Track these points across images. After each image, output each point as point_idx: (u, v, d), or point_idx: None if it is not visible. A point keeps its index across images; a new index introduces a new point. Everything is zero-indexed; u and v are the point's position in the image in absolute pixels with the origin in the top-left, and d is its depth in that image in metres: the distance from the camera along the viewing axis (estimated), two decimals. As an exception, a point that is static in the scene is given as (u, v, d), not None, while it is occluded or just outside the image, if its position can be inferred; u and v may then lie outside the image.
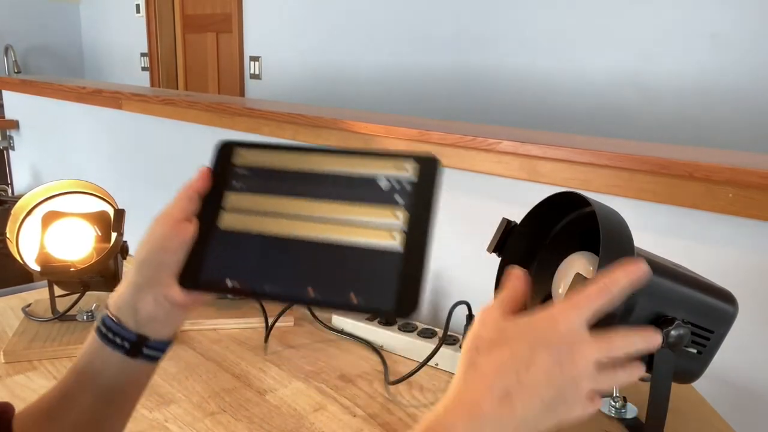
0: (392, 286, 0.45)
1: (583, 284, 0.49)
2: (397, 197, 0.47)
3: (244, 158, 0.51)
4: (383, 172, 0.48)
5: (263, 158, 0.51)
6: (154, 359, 0.53)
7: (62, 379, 0.54)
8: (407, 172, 0.48)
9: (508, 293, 0.51)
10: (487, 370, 0.44)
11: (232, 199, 0.51)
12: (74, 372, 0.53)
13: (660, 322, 0.57)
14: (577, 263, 0.60)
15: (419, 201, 0.47)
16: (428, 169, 0.48)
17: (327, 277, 0.46)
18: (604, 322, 0.49)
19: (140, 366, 0.53)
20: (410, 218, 0.46)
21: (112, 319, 0.51)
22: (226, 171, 0.51)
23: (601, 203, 0.57)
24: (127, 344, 0.51)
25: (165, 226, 0.50)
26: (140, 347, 0.52)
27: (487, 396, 0.43)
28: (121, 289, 0.52)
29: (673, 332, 0.56)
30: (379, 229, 0.47)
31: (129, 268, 0.51)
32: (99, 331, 0.52)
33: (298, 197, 0.49)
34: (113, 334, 0.51)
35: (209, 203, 0.51)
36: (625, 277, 0.46)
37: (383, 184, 0.48)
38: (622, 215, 0.57)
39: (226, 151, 0.52)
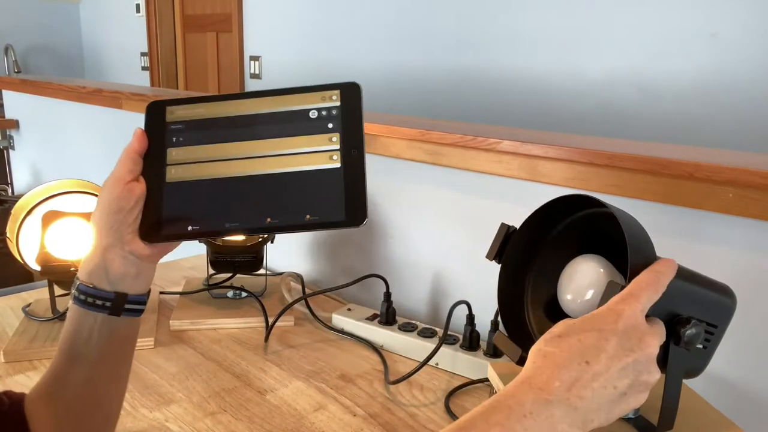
0: (340, 200, 0.50)
1: (618, 291, 0.50)
2: (329, 123, 0.52)
3: (175, 114, 0.54)
4: (311, 105, 0.53)
5: (194, 111, 0.54)
6: (137, 312, 0.56)
7: (54, 358, 0.57)
8: (332, 100, 0.52)
9: None
10: (557, 358, 0.45)
11: (173, 153, 0.54)
12: (63, 348, 0.56)
13: (675, 321, 0.57)
14: (584, 266, 0.60)
15: (348, 122, 0.52)
16: (351, 93, 0.53)
17: (280, 205, 0.51)
18: None
19: (125, 322, 0.55)
20: (343, 139, 0.51)
21: (87, 285, 0.53)
22: (162, 129, 0.54)
23: (616, 206, 0.57)
24: (108, 303, 0.54)
25: (116, 189, 0.52)
26: (121, 304, 0.54)
27: (556, 379, 0.43)
28: (89, 256, 0.54)
29: (689, 331, 0.56)
30: (318, 153, 0.52)
31: (91, 235, 0.54)
32: (77, 299, 0.54)
33: (236, 141, 0.53)
34: (93, 297, 0.53)
35: (153, 161, 0.54)
36: (668, 269, 0.50)
37: (313, 115, 0.52)
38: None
39: (156, 110, 0.55)
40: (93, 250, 0.54)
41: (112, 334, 0.55)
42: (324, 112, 0.52)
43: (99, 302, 0.53)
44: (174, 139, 0.54)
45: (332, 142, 0.52)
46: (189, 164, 0.53)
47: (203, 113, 0.54)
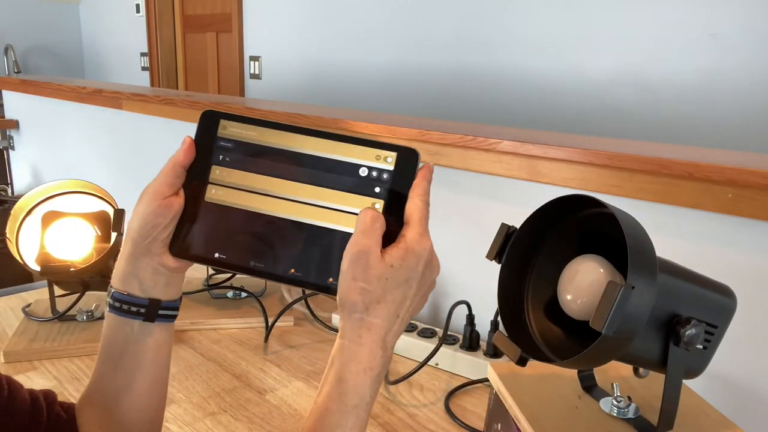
0: None
1: (618, 291, 0.50)
2: (376, 187, 0.50)
3: (228, 130, 0.52)
4: (364, 161, 0.50)
5: (247, 132, 0.52)
6: (171, 318, 0.57)
7: (94, 367, 0.58)
8: (387, 162, 0.50)
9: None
10: (378, 329, 0.48)
11: (217, 172, 0.52)
12: (102, 356, 0.57)
13: (675, 322, 0.57)
14: (584, 267, 0.60)
15: (396, 192, 0.50)
16: (408, 160, 0.50)
17: (308, 260, 0.50)
18: (626, 333, 0.51)
19: (159, 327, 0.56)
20: (387, 209, 0.49)
21: (121, 293, 0.54)
22: (211, 141, 0.52)
23: (616, 206, 0.57)
24: (143, 310, 0.54)
25: (153, 202, 0.51)
26: (155, 310, 0.55)
27: (379, 351, 0.48)
28: (121, 264, 0.54)
29: (689, 332, 0.56)
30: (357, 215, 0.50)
31: (124, 243, 0.54)
32: (113, 307, 0.54)
33: (281, 177, 0.51)
34: (127, 304, 0.54)
35: (196, 174, 0.52)
36: (427, 173, 0.51)
37: (363, 173, 0.50)
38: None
39: (210, 120, 0.53)
40: (125, 258, 0.54)
41: (148, 339, 0.56)
42: (374, 173, 0.50)
43: (134, 309, 0.54)
44: (221, 156, 0.52)
45: (373, 207, 0.50)
46: (231, 188, 0.52)
47: (255, 137, 0.52)
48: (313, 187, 0.50)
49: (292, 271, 0.50)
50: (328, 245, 0.50)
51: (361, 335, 0.48)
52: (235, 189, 0.51)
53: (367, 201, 0.50)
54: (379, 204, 0.49)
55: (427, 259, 0.50)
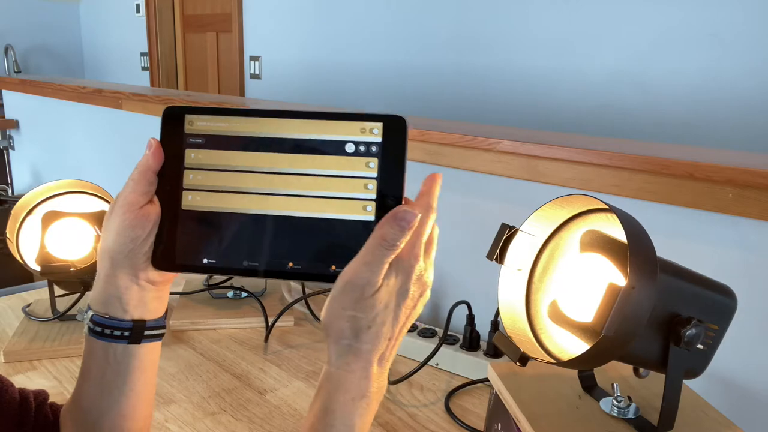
0: None
1: (618, 292, 0.50)
2: (366, 163, 0.46)
3: (196, 125, 0.48)
4: (348, 136, 0.46)
5: (218, 125, 0.47)
6: (158, 337, 0.53)
7: (76, 384, 0.53)
8: (373, 134, 0.46)
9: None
10: (367, 355, 0.46)
11: (190, 176, 0.48)
12: (83, 379, 0.53)
13: (675, 322, 0.57)
14: (584, 267, 0.61)
15: (388, 166, 0.45)
16: (395, 128, 0.45)
17: (306, 250, 0.46)
18: (626, 333, 0.50)
19: (146, 348, 0.52)
20: (381, 187, 0.45)
21: (102, 316, 0.50)
22: (180, 141, 0.48)
23: (616, 206, 0.57)
24: (127, 333, 0.50)
25: (128, 214, 0.47)
26: (141, 332, 0.51)
27: (373, 381, 0.46)
28: (99, 285, 0.50)
29: (689, 332, 0.56)
30: (352, 201, 0.46)
31: (99, 262, 0.50)
32: (93, 332, 0.50)
33: (261, 170, 0.47)
34: (109, 328, 0.50)
35: (168, 179, 0.48)
36: (434, 188, 0.48)
37: (350, 149, 0.46)
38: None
39: (173, 117, 0.48)
40: (105, 279, 0.49)
41: (133, 362, 0.51)
42: (362, 147, 0.45)
43: (117, 333, 0.50)
44: (192, 155, 0.48)
45: (368, 189, 0.46)
46: (207, 192, 0.47)
47: (226, 128, 0.47)
48: (298, 175, 0.46)
49: (291, 265, 0.46)
50: (325, 234, 0.46)
51: (349, 362, 0.45)
52: (214, 192, 0.47)
53: (360, 183, 0.45)
54: (372, 184, 0.45)
55: (418, 275, 0.46)
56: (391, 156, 0.45)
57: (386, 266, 0.44)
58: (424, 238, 0.46)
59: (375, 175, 0.45)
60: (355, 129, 0.46)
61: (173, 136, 0.48)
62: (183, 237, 0.48)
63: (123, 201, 0.48)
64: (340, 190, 0.46)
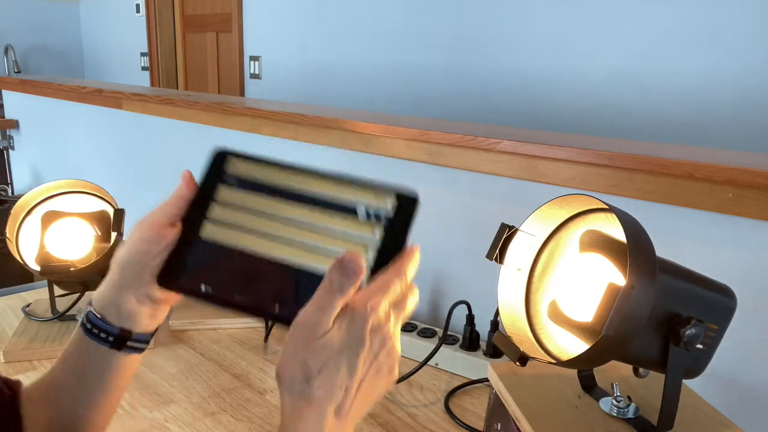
0: None
1: (616, 293, 0.50)
2: (372, 233, 0.48)
3: (236, 168, 0.52)
4: (364, 200, 0.49)
5: (254, 171, 0.52)
6: (139, 350, 0.55)
7: (54, 366, 0.57)
8: (386, 206, 0.48)
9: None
10: (320, 401, 0.44)
11: (216, 208, 0.52)
12: (62, 362, 0.56)
13: (675, 321, 0.57)
14: (584, 266, 0.61)
15: (391, 239, 0.48)
16: (406, 206, 0.48)
17: (294, 299, 0.47)
18: (626, 333, 0.49)
19: (125, 357, 0.55)
20: (379, 257, 0.47)
21: (96, 315, 0.53)
22: (217, 178, 0.52)
23: (616, 206, 0.57)
24: (111, 338, 0.53)
25: (148, 231, 0.51)
26: (124, 340, 0.53)
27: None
28: (104, 287, 0.53)
29: (689, 332, 0.56)
30: None
31: (111, 268, 0.53)
32: (84, 326, 0.54)
33: (279, 219, 0.50)
34: (98, 329, 0.53)
35: (196, 208, 0.52)
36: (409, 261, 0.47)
37: (361, 214, 0.49)
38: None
39: (220, 158, 0.53)
40: (110, 283, 0.53)
41: (111, 366, 0.55)
42: (373, 216, 0.48)
43: (102, 335, 0.53)
44: (224, 192, 0.52)
45: (366, 252, 0.48)
46: (227, 228, 0.51)
47: (261, 176, 0.51)
48: (310, 231, 0.49)
49: (277, 309, 0.48)
50: (312, 284, 0.47)
51: (301, 410, 0.43)
52: (233, 228, 0.51)
53: (361, 248, 0.48)
54: (372, 250, 0.47)
55: (374, 325, 0.44)
56: (397, 228, 0.48)
57: (337, 310, 0.44)
58: (390, 296, 0.45)
59: (377, 240, 0.48)
60: (371, 195, 0.49)
61: (214, 172, 0.53)
62: (191, 262, 0.51)
63: (148, 218, 0.52)
64: (342, 247, 0.48)
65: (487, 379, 0.90)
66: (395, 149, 1.16)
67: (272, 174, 0.51)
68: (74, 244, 1.04)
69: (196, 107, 1.62)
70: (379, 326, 0.45)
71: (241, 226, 0.50)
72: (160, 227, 0.51)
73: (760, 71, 1.84)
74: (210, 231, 0.51)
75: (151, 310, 0.53)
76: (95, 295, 0.54)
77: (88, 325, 0.53)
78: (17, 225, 1.03)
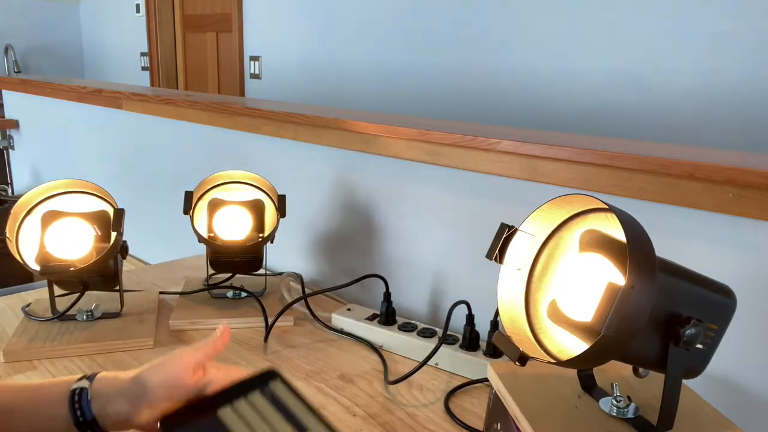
0: None
1: (616, 293, 0.50)
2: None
3: (276, 387, 0.61)
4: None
5: (286, 396, 0.59)
6: None
7: (12, 393, 0.60)
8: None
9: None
10: None
11: (243, 403, 0.59)
12: (25, 393, 0.59)
13: (675, 321, 0.57)
14: (584, 266, 0.61)
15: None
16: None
17: None
18: (626, 333, 0.50)
19: None
20: None
21: (88, 390, 0.57)
22: (259, 385, 0.61)
23: (616, 206, 0.57)
24: (81, 418, 0.57)
25: (189, 372, 0.58)
26: (90, 428, 0.57)
27: None
28: (119, 379, 0.58)
29: (688, 332, 0.56)
30: None
31: (136, 372, 0.59)
32: (73, 391, 0.58)
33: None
34: (78, 404, 0.57)
35: (230, 391, 0.60)
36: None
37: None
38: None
39: (272, 374, 0.62)
40: (125, 381, 0.58)
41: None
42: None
43: (78, 411, 0.57)
44: (254, 400, 0.59)
45: None
46: (239, 421, 0.58)
47: (287, 404, 0.59)
48: None
49: None
50: None
51: None
52: (243, 423, 0.57)
53: None
54: None
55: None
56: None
57: None
58: None
59: None
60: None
61: (259, 379, 0.61)
62: (196, 427, 0.57)
63: (188, 353, 0.60)
64: None
65: (486, 379, 0.90)
66: (395, 149, 1.16)
67: (296, 405, 0.59)
68: (74, 243, 1.04)
69: (196, 107, 1.62)
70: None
71: (248, 423, 0.57)
72: (200, 368, 0.60)
73: (760, 71, 1.84)
74: (225, 414, 0.58)
75: (124, 426, 0.57)
76: (106, 373, 0.59)
77: (75, 397, 0.57)
78: (17, 225, 1.03)
